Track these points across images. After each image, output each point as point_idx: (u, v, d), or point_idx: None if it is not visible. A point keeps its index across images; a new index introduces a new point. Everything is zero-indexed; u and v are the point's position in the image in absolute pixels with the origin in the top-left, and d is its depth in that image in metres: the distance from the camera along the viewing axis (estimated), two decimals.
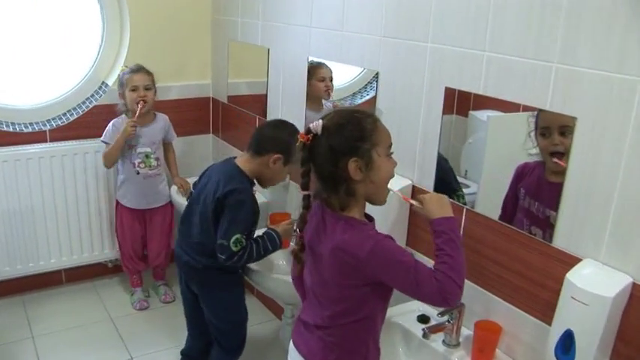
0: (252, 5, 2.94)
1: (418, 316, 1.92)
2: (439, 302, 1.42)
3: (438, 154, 1.93)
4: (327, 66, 2.50)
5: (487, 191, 1.82)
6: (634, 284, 1.41)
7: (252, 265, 2.25)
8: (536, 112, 1.59)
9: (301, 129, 2.61)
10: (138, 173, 3.00)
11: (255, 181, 2.24)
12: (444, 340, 1.81)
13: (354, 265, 1.39)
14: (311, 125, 1.41)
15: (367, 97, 2.29)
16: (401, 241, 2.07)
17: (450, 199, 1.61)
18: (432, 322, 1.87)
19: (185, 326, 2.54)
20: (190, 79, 3.42)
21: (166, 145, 3.17)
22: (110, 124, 2.98)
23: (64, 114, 3.15)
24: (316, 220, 1.48)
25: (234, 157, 2.27)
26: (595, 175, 1.46)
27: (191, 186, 3.10)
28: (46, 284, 3.31)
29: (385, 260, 1.39)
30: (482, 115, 1.82)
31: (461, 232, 1.81)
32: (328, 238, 1.44)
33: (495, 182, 1.79)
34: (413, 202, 1.55)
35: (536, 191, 1.66)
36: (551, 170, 1.61)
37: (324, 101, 2.57)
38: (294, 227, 2.20)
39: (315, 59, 2.51)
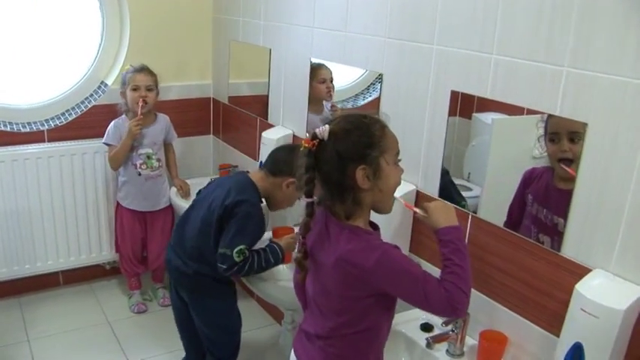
0: (253, 5, 2.90)
1: (421, 325, 1.89)
2: (448, 313, 1.39)
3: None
4: (327, 67, 2.47)
5: (491, 195, 1.79)
6: None
7: None
8: (545, 117, 1.55)
9: (303, 131, 2.63)
10: (139, 174, 2.97)
11: (263, 201, 2.20)
12: (447, 350, 1.78)
13: (359, 276, 1.35)
14: (317, 130, 1.36)
15: (370, 99, 2.26)
16: (404, 248, 2.03)
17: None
18: (436, 331, 1.84)
19: None
20: (191, 79, 3.39)
21: (166, 146, 3.14)
22: (111, 124, 2.95)
23: (63, 114, 3.13)
24: (319, 227, 1.43)
25: (247, 171, 2.24)
26: (606, 182, 1.41)
27: (190, 187, 3.10)
28: (43, 286, 3.27)
29: (392, 271, 1.35)
30: (486, 117, 1.79)
31: (465, 240, 1.76)
32: (332, 247, 1.39)
33: (499, 186, 1.76)
34: (417, 210, 1.50)
35: (544, 198, 1.63)
36: (560, 177, 1.58)
37: (325, 103, 2.54)
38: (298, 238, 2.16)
39: (318, 60, 2.47)
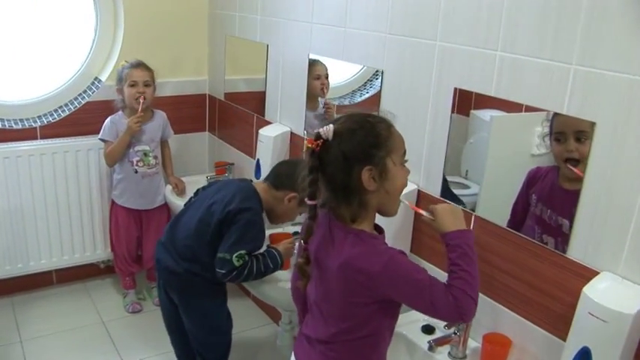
0: (250, 0, 2.85)
1: (422, 327, 1.86)
2: (455, 319, 1.36)
3: None
4: (322, 63, 2.44)
5: (489, 193, 1.77)
6: None
7: None
8: (551, 116, 1.52)
9: (301, 128, 2.59)
10: (136, 172, 2.94)
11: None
12: (449, 353, 1.75)
13: (364, 282, 1.31)
14: (321, 130, 1.31)
15: (367, 96, 2.24)
16: (405, 248, 2.00)
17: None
18: (438, 334, 1.81)
19: None
20: (186, 75, 3.35)
21: (162, 143, 3.10)
22: (108, 120, 2.91)
23: (56, 110, 3.08)
24: (322, 230, 1.38)
25: (251, 180, 2.23)
26: (615, 183, 1.38)
27: (185, 185, 3.06)
28: (36, 285, 3.22)
29: (399, 278, 1.31)
30: (484, 114, 1.77)
31: None
32: (336, 252, 1.35)
33: (498, 184, 1.75)
34: (424, 213, 1.45)
35: (549, 198, 1.60)
36: (566, 177, 1.55)
37: (320, 99, 2.51)
38: (296, 244, 2.13)
39: (316, 57, 2.43)
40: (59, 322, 2.98)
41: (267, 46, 2.76)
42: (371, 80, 2.19)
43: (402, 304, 1.39)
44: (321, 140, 1.30)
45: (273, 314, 3.02)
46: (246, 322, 3.02)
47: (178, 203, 2.89)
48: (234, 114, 3.17)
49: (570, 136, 1.49)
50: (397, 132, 1.36)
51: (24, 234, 3.01)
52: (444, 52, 1.80)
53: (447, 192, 1.89)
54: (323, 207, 1.37)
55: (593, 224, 1.44)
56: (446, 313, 1.32)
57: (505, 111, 1.66)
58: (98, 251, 3.24)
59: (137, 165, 2.93)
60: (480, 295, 1.72)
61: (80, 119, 3.06)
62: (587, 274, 1.45)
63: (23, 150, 2.92)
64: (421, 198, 1.94)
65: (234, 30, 3.05)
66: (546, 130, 1.55)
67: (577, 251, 1.49)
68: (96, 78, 3.13)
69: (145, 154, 2.94)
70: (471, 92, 1.72)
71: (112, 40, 3.12)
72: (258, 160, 2.75)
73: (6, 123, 2.92)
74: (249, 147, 3.02)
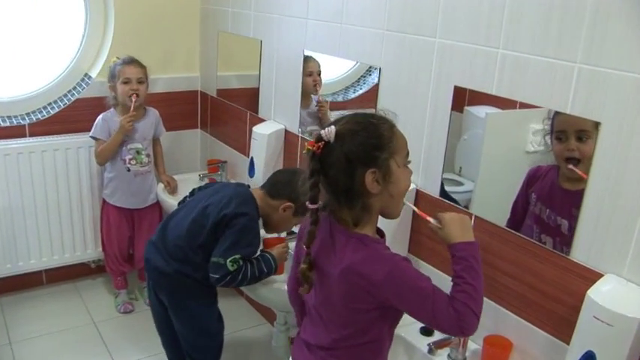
0: None
1: (421, 328, 1.83)
2: (455, 333, 1.32)
3: None
4: (314, 59, 2.41)
5: (484, 190, 1.76)
6: None
7: None
8: (552, 114, 1.50)
9: (296, 126, 2.55)
10: (128, 170, 2.89)
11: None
12: (449, 355, 1.73)
13: (367, 288, 1.28)
14: (322, 132, 1.26)
15: (361, 92, 2.22)
16: (403, 248, 1.98)
17: None
18: (437, 336, 1.78)
19: None
20: (178, 71, 3.31)
21: (154, 141, 3.05)
22: (99, 118, 2.86)
23: (45, 107, 3.03)
24: (323, 235, 1.34)
25: (248, 185, 2.20)
26: (620, 184, 1.36)
27: (177, 184, 3.01)
28: (26, 286, 3.17)
29: (403, 286, 1.28)
30: (478, 110, 1.76)
31: None
32: (337, 257, 1.31)
33: (493, 181, 1.74)
34: (431, 220, 1.40)
35: (549, 198, 1.58)
36: (566, 177, 1.53)
37: (313, 96, 2.48)
38: (291, 247, 2.12)
39: (311, 53, 2.39)
40: (49, 323, 2.93)
41: (261, 42, 2.71)
42: (364, 76, 2.16)
43: (404, 311, 1.35)
44: (323, 142, 1.25)
45: (267, 314, 2.98)
46: (239, 321, 2.98)
47: (170, 202, 2.85)
48: (227, 111, 3.13)
49: (571, 135, 1.47)
50: (400, 132, 1.32)
51: (13, 234, 2.95)
52: (443, 50, 1.76)
53: (443, 192, 1.86)
54: (323, 210, 1.33)
55: (597, 225, 1.42)
56: (447, 325, 1.28)
57: (499, 107, 1.65)
58: (89, 250, 3.19)
59: (130, 163, 2.88)
60: None
61: (70, 116, 3.01)
62: (591, 277, 1.43)
63: (12, 148, 2.86)
64: (420, 198, 1.91)
65: (227, 26, 3.00)
66: (547, 128, 1.53)
67: (580, 253, 1.47)
68: (86, 74, 3.08)
69: (138, 152, 2.90)
70: (465, 88, 1.70)
71: (102, 35, 3.06)
72: (252, 158, 2.71)
73: None
74: (242, 145, 2.98)
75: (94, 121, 2.86)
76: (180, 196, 2.84)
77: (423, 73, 1.84)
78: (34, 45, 2.97)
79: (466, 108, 1.78)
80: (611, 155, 1.36)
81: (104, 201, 3.01)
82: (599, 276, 1.41)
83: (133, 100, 2.77)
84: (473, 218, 1.74)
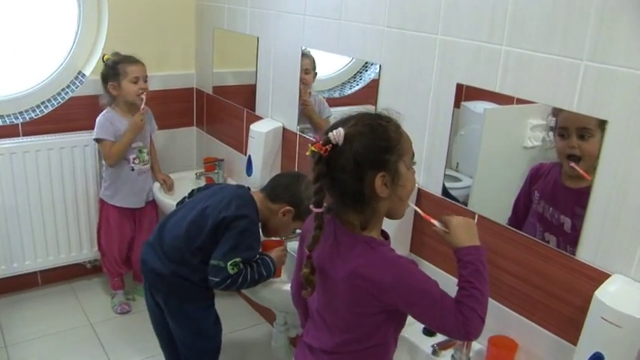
0: None
1: (424, 329, 1.81)
2: (460, 337, 1.31)
3: None
4: (310, 55, 2.39)
5: (482, 186, 1.75)
6: None
7: None
8: (556, 110, 1.48)
9: (294, 124, 2.52)
10: (132, 169, 2.86)
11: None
12: (453, 356, 1.71)
13: (373, 291, 1.26)
14: (330, 135, 1.22)
15: (357, 88, 2.20)
16: (405, 247, 1.95)
17: None
18: (440, 337, 1.76)
19: None
20: (173, 68, 3.27)
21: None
22: (102, 118, 2.80)
23: (38, 106, 2.98)
24: (326, 237, 1.31)
25: (249, 188, 2.17)
26: (627, 182, 1.34)
27: (173, 181, 2.98)
28: (21, 287, 3.13)
29: (410, 290, 1.26)
30: (475, 106, 1.75)
31: None
32: (342, 260, 1.29)
33: (491, 177, 1.73)
34: (436, 223, 1.38)
35: (551, 196, 1.57)
36: (568, 174, 1.51)
37: (309, 92, 2.46)
38: (288, 248, 2.12)
39: (309, 50, 2.36)
40: (45, 325, 2.90)
41: (258, 38, 2.68)
42: (361, 72, 2.14)
43: (410, 315, 1.33)
44: (330, 145, 1.22)
45: (266, 313, 2.96)
46: (237, 321, 2.96)
47: (167, 201, 2.82)
48: (224, 108, 3.09)
49: (573, 132, 1.45)
50: (406, 133, 1.30)
51: (7, 234, 2.91)
52: (445, 47, 1.74)
53: (445, 191, 1.84)
54: (328, 213, 1.30)
55: (604, 225, 1.40)
56: (453, 330, 1.27)
57: (496, 103, 1.64)
58: (84, 251, 3.15)
59: (134, 162, 2.85)
60: None
61: (64, 115, 2.97)
62: (598, 277, 1.41)
63: (5, 148, 2.82)
64: (421, 197, 1.89)
65: (223, 22, 2.96)
66: (552, 124, 1.51)
67: (587, 252, 1.45)
68: (80, 72, 3.03)
69: (140, 151, 2.87)
70: (462, 84, 1.68)
71: (95, 32, 3.02)
72: (249, 156, 2.67)
73: None
74: (239, 143, 2.95)
75: (89, 119, 2.83)
76: (176, 195, 2.82)
77: (425, 71, 1.82)
78: (26, 43, 2.92)
79: (463, 103, 1.76)
80: (619, 153, 1.34)
81: (103, 202, 2.96)
82: (607, 276, 1.40)
83: (143, 98, 2.75)
84: (476, 217, 1.72)
